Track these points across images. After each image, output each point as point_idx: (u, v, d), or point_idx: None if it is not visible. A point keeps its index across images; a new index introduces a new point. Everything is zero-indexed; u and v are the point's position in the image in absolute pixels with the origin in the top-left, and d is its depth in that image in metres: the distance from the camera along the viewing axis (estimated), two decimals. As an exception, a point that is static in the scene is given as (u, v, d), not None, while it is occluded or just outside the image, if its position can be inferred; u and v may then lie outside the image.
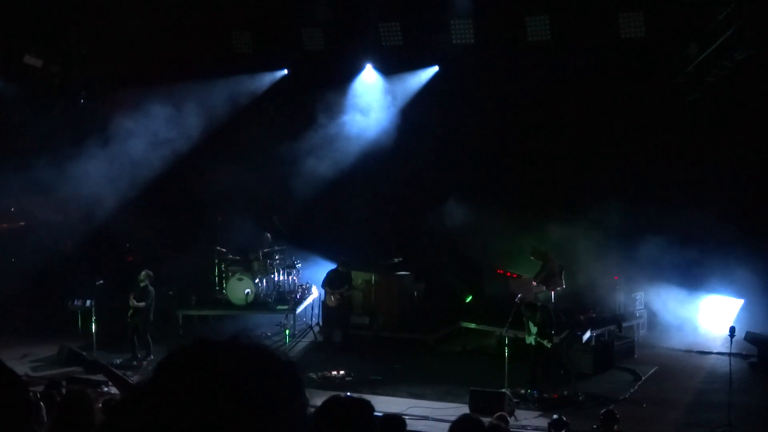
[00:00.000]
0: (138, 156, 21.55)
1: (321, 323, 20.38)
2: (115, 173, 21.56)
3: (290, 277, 21.64)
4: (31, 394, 3.48)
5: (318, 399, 4.08)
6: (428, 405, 15.09)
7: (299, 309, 20.60)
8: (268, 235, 21.89)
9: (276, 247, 21.77)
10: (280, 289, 21.52)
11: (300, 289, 21.23)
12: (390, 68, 21.88)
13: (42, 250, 21.89)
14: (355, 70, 22.24)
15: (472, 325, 19.32)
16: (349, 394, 4.43)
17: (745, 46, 16.80)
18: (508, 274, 20.45)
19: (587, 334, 16.70)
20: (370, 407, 4.28)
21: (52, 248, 22.45)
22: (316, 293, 21.12)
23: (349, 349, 18.85)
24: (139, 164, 21.76)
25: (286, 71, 23.08)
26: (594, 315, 18.72)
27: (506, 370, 15.07)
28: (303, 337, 20.07)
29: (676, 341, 18.91)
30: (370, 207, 21.36)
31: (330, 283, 19.66)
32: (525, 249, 18.99)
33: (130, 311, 17.95)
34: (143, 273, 18.13)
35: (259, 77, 22.96)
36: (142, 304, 17.86)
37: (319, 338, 19.98)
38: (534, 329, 15.70)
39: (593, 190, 19.79)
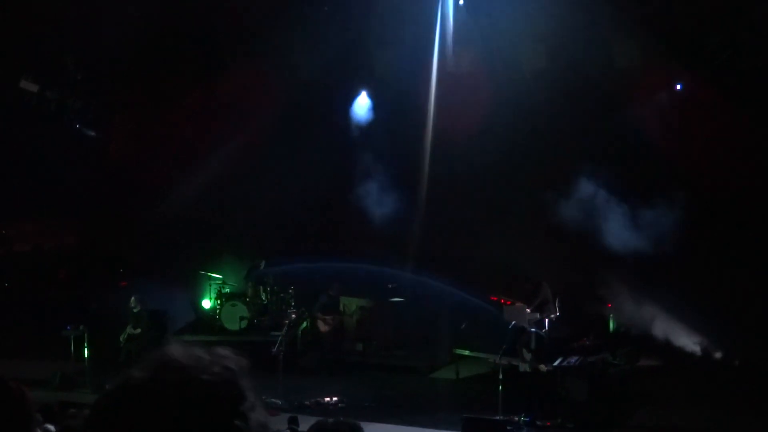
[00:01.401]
0: (132, 182, 21.60)
1: (315, 349, 20.33)
2: (109, 199, 21.58)
3: (284, 303, 21.60)
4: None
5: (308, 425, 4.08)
6: (421, 432, 15.06)
7: (293, 334, 20.53)
8: (262, 260, 21.90)
9: (270, 273, 21.77)
10: (274, 315, 21.47)
11: (294, 315, 21.17)
12: (385, 95, 21.94)
13: (35, 275, 21.87)
14: (350, 97, 22.35)
15: (466, 352, 19.27)
16: (332, 419, 4.36)
17: (737, 73, 16.99)
18: (502, 301, 20.40)
19: (581, 361, 16.66)
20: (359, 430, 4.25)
21: (46, 273, 22.44)
22: (309, 319, 21.08)
23: (343, 375, 18.82)
24: (134, 189, 21.80)
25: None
26: (588, 342, 18.67)
27: (500, 397, 15.03)
28: (298, 363, 20.01)
29: (672, 367, 18.86)
30: (364, 233, 21.38)
31: (321, 308, 19.67)
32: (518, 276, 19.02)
33: (125, 336, 17.95)
34: (132, 299, 18.17)
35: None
36: (138, 330, 17.90)
37: (313, 364, 19.93)
38: (528, 356, 15.67)
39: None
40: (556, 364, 16.03)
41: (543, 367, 15.57)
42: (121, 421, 1.73)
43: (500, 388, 15.15)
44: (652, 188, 20.23)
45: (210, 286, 22.23)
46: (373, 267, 21.45)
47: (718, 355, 18.75)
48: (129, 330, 17.96)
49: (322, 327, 19.63)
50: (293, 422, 12.41)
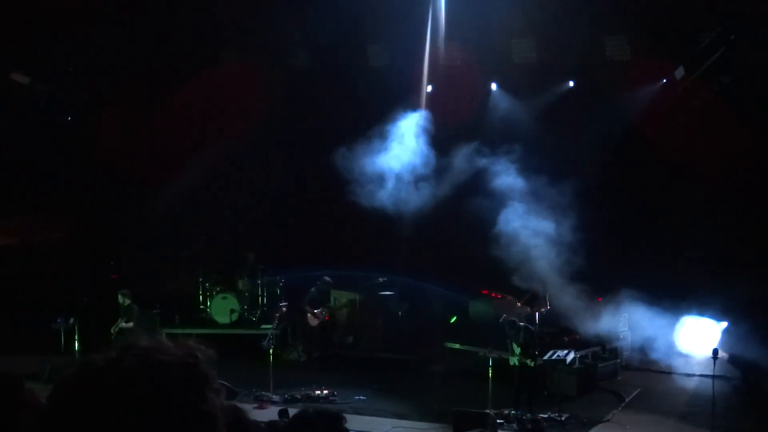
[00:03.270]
0: (122, 175, 21.57)
1: (305, 342, 20.35)
2: (99, 192, 21.55)
3: (274, 296, 21.60)
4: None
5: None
6: (412, 425, 15.09)
7: (283, 327, 20.56)
8: (252, 254, 21.89)
9: (260, 266, 21.77)
10: (264, 308, 21.48)
11: (284, 308, 21.18)
12: (376, 90, 21.90)
13: (25, 269, 21.82)
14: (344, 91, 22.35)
15: (456, 346, 19.32)
16: (313, 408, 4.38)
17: (731, 70, 17.02)
18: (493, 295, 20.46)
19: (571, 356, 16.71)
20: (340, 419, 4.26)
21: (36, 266, 22.39)
22: (299, 312, 21.09)
23: (333, 368, 18.84)
24: (123, 182, 21.77)
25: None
26: (578, 336, 18.74)
27: (490, 391, 15.08)
28: (287, 357, 20.02)
29: (660, 363, 18.93)
30: (355, 227, 21.39)
31: (309, 302, 19.69)
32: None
33: (116, 329, 17.91)
34: (120, 294, 17.98)
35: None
36: (130, 324, 17.83)
37: (303, 357, 19.95)
38: (517, 350, 15.71)
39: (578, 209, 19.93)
40: (546, 357, 16.09)
41: (532, 361, 15.61)
42: (83, 399, 1.78)
43: (490, 381, 15.19)
44: (643, 182, 20.35)
45: (200, 278, 22.21)
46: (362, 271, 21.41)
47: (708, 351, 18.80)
48: (121, 323, 17.89)
49: (311, 321, 19.65)
50: (284, 415, 12.42)
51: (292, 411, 12.89)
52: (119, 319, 17.95)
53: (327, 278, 20.02)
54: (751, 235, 19.15)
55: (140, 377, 1.78)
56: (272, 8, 19.96)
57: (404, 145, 19.46)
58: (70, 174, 21.79)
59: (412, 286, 20.82)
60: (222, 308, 21.06)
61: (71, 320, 18.18)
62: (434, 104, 21.21)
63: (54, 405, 1.82)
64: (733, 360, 17.62)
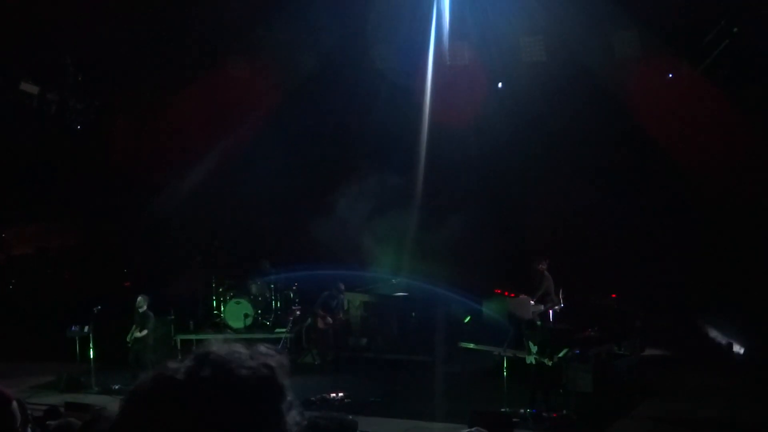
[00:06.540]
0: (134, 182, 21.65)
1: (319, 346, 20.35)
2: (114, 198, 21.64)
3: (288, 300, 21.62)
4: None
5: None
6: (428, 426, 15.08)
7: (297, 332, 20.58)
8: (266, 261, 21.93)
9: (273, 270, 21.80)
10: (278, 312, 21.50)
11: (298, 312, 21.20)
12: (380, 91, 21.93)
13: (39, 277, 21.89)
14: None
15: (471, 345, 19.29)
16: (323, 414, 4.35)
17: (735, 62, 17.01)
18: (506, 293, 20.43)
19: (587, 352, 16.68)
20: (353, 427, 4.25)
21: (50, 275, 22.46)
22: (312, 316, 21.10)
23: (348, 371, 18.83)
24: (137, 189, 21.84)
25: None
26: (593, 333, 18.68)
27: (506, 390, 15.05)
28: (301, 360, 20.02)
29: (675, 358, 18.88)
30: (369, 228, 21.41)
31: (322, 305, 19.71)
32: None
33: (131, 337, 17.95)
34: (139, 299, 18.11)
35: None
36: (145, 332, 17.88)
37: (318, 361, 19.94)
38: (534, 348, 15.68)
39: (594, 208, 19.90)
40: (561, 355, 16.04)
41: (548, 359, 15.57)
42: (156, 411, 1.72)
43: (506, 380, 15.17)
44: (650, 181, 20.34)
45: (214, 284, 22.25)
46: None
47: (724, 344, 18.75)
48: (135, 333, 17.95)
49: (321, 324, 19.66)
50: (299, 419, 12.42)
51: (308, 415, 12.91)
52: (134, 327, 18.01)
53: (340, 283, 20.02)
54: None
55: (218, 392, 1.72)
56: (275, 12, 20.01)
57: None
58: (81, 181, 21.85)
59: (425, 287, 20.81)
60: (236, 313, 21.08)
61: (86, 328, 18.20)
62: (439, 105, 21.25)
63: (127, 417, 1.77)
64: (750, 352, 17.56)
